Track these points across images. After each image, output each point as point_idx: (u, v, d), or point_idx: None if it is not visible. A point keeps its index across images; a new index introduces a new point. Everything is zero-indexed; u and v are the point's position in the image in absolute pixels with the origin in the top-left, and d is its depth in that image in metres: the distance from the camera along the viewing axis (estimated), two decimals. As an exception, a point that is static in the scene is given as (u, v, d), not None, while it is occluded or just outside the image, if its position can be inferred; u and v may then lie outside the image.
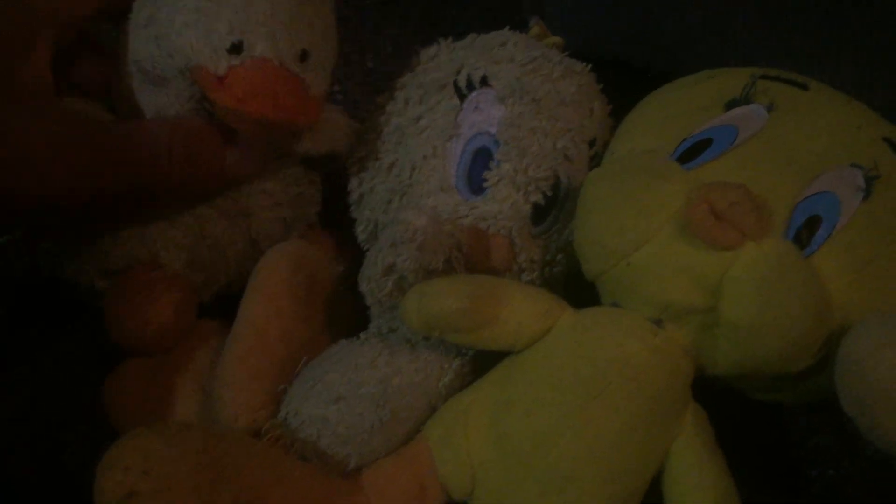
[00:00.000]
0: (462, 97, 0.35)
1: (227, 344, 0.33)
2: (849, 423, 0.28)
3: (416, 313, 0.30)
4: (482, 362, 0.33)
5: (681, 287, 0.30)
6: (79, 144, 0.31)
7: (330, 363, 0.32)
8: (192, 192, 0.34)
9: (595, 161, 0.36)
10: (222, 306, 0.36)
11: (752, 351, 0.29)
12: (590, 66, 0.38)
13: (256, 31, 0.30)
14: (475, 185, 0.34)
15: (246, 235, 0.37)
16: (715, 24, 0.41)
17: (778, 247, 0.29)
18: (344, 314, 0.36)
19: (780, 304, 0.28)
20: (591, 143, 0.36)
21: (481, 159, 0.34)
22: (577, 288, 0.34)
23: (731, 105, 0.34)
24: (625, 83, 0.38)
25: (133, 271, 0.35)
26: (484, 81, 0.35)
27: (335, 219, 0.40)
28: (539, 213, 0.35)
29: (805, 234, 0.30)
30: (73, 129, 0.31)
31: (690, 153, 0.32)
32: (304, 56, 0.32)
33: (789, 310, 0.28)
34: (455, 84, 0.36)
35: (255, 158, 0.35)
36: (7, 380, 0.36)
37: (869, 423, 0.28)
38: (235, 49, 0.30)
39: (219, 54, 0.30)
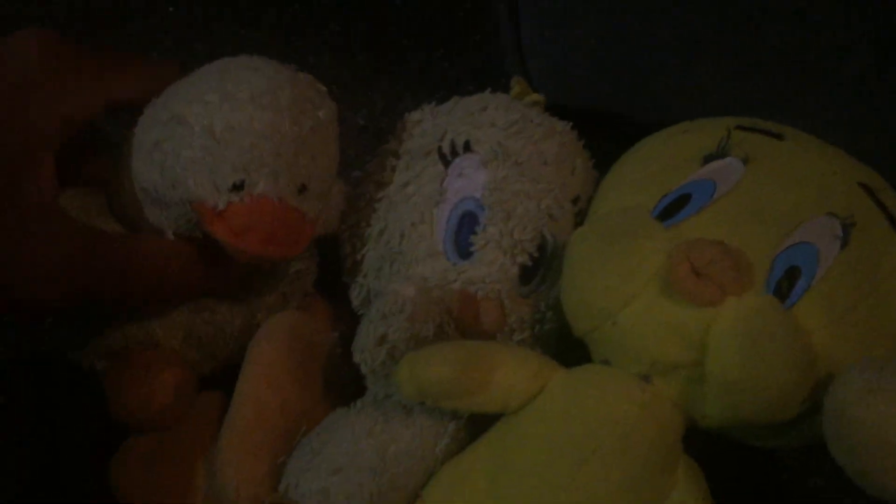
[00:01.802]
0: (447, 163, 0.36)
1: (226, 420, 0.34)
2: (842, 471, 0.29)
3: (408, 382, 0.31)
4: (478, 424, 0.34)
5: (666, 344, 0.31)
6: (83, 260, 0.31)
7: (328, 434, 0.33)
8: (191, 297, 0.36)
9: (580, 217, 0.37)
10: (225, 377, 0.37)
11: (739, 404, 0.29)
12: (571, 123, 0.39)
13: (259, 171, 0.31)
14: (463, 249, 0.35)
15: (244, 311, 0.37)
16: (693, 78, 0.42)
17: (759, 301, 0.30)
18: (342, 380, 0.37)
19: (764, 358, 0.29)
20: (575, 201, 0.37)
21: (468, 224, 0.35)
22: (569, 344, 0.35)
23: (708, 159, 0.35)
24: (606, 137, 0.39)
25: (131, 351, 0.36)
26: (467, 147, 0.36)
27: (330, 284, 0.41)
28: (527, 274, 0.35)
29: (785, 285, 0.31)
30: (77, 244, 0.31)
31: (671, 209, 0.33)
32: (302, 189, 0.32)
33: (773, 363, 0.29)
34: (440, 150, 0.37)
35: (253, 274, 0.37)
36: (17, 459, 0.37)
37: (859, 469, 0.28)
38: (237, 188, 0.31)
39: (220, 192, 0.31)
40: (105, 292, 0.32)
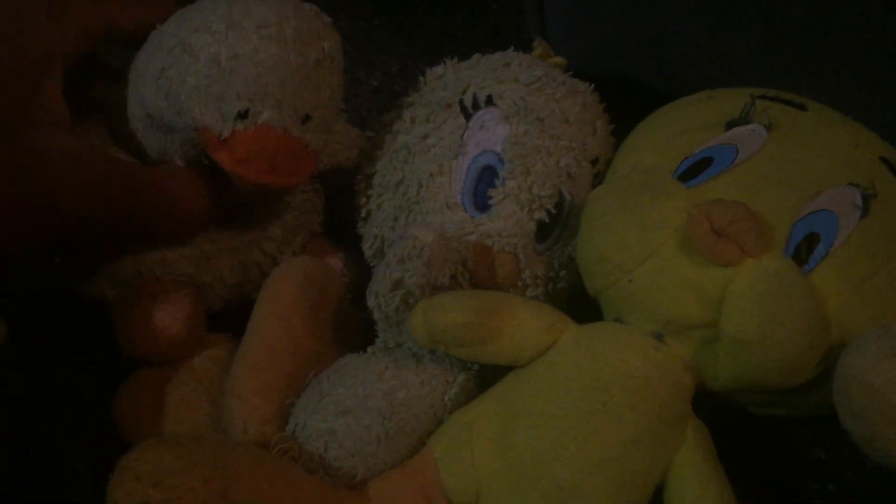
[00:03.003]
0: (468, 116, 0.36)
1: (237, 357, 0.33)
2: (848, 437, 0.29)
3: (422, 328, 0.31)
4: (487, 376, 0.34)
5: (682, 302, 0.31)
6: (100, 184, 0.32)
7: (337, 377, 0.33)
8: (204, 225, 0.36)
9: (598, 179, 0.37)
10: (232, 321, 0.37)
11: (752, 366, 0.29)
12: (592, 85, 0.39)
13: (264, 100, 0.31)
14: (480, 202, 0.35)
15: (249, 237, 0.37)
16: (715, 47, 0.42)
17: (777, 263, 0.30)
18: (351, 328, 0.37)
19: (780, 320, 0.29)
20: (594, 162, 0.37)
21: (486, 177, 0.35)
22: (580, 304, 0.35)
23: (731, 125, 0.34)
24: (626, 103, 0.39)
25: (141, 280, 0.35)
26: (489, 101, 0.36)
27: (341, 236, 0.40)
28: (543, 231, 0.35)
29: (804, 251, 0.31)
30: (94, 169, 0.32)
31: (692, 171, 0.33)
32: (306, 119, 0.33)
33: (788, 325, 0.29)
34: (461, 103, 0.36)
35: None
36: (22, 390, 0.37)
37: (868, 435, 0.28)
38: (241, 116, 0.31)
39: (225, 120, 0.31)
40: (122, 222, 0.33)
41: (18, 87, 0.31)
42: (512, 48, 0.39)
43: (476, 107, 0.36)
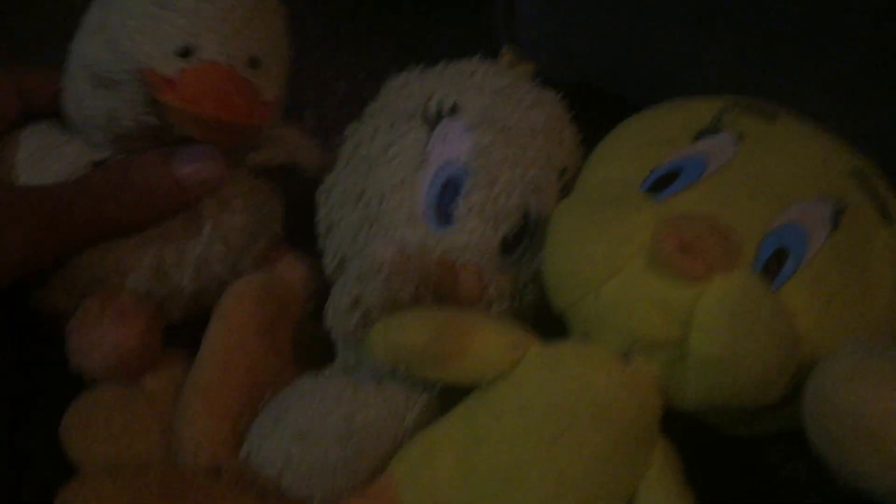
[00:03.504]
0: (431, 126, 0.35)
1: (189, 378, 0.32)
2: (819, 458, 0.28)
3: (382, 346, 0.30)
4: (450, 396, 0.33)
5: (650, 319, 0.30)
6: (14, 219, 0.31)
7: (294, 398, 0.32)
8: (152, 219, 0.34)
9: (565, 191, 0.36)
10: (190, 335, 0.35)
11: (721, 384, 0.29)
12: (561, 94, 0.38)
13: (206, 35, 0.31)
14: (444, 216, 0.34)
15: (207, 245, 0.36)
16: (688, 54, 0.41)
17: (745, 280, 0.29)
18: (311, 345, 0.36)
19: (748, 337, 0.28)
20: (562, 173, 0.36)
21: (450, 190, 0.34)
22: (547, 320, 0.34)
23: (700, 135, 0.34)
24: (596, 111, 0.38)
25: (96, 293, 0.34)
26: (454, 110, 0.35)
27: (307, 245, 0.39)
28: (508, 245, 0.34)
29: (773, 266, 0.30)
30: (11, 207, 0.31)
31: (660, 184, 0.32)
32: (254, 62, 0.33)
33: (757, 342, 0.28)
34: (424, 113, 0.35)
35: (211, 163, 0.35)
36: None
37: (838, 457, 0.27)
38: (185, 53, 0.31)
39: (168, 57, 0.31)
40: (65, 243, 0.32)
41: None
42: (480, 55, 0.39)
43: (440, 117, 0.35)
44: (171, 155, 0.34)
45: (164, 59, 0.31)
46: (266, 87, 0.33)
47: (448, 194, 0.34)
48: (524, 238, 0.35)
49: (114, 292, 0.34)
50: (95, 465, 0.29)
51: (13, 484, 0.34)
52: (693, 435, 0.32)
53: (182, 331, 0.37)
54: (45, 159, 0.34)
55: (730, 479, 0.36)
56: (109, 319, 0.33)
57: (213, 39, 0.31)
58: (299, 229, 0.39)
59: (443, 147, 0.35)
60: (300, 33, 0.56)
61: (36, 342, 0.36)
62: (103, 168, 0.34)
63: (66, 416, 0.34)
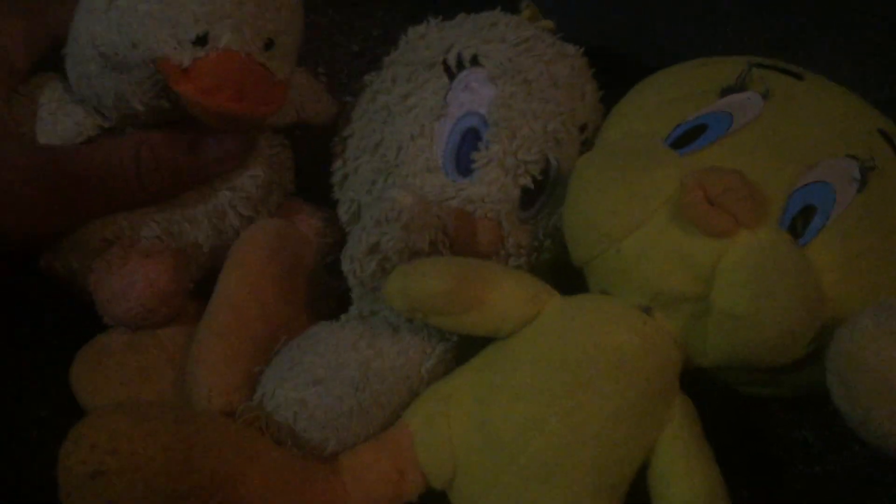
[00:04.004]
0: (451, 76, 0.35)
1: (202, 322, 0.32)
2: (837, 419, 0.28)
3: (399, 294, 0.29)
4: (466, 348, 0.32)
5: (673, 274, 0.29)
6: (46, 177, 0.31)
7: (309, 345, 0.31)
8: (173, 195, 0.34)
9: (586, 146, 0.36)
10: (199, 286, 0.35)
11: (743, 341, 0.28)
12: (582, 49, 0.37)
13: (222, 22, 0.30)
14: (463, 166, 0.33)
15: (221, 198, 0.35)
16: (707, 16, 0.40)
17: (772, 235, 0.29)
18: (325, 295, 0.35)
19: (773, 294, 0.28)
20: (582, 128, 0.35)
21: (470, 140, 0.34)
22: (565, 276, 0.34)
23: (726, 92, 0.33)
24: (616, 70, 0.37)
25: (113, 244, 0.33)
26: (475, 61, 0.34)
27: (318, 197, 0.39)
28: (528, 198, 0.34)
29: (800, 223, 0.30)
30: (37, 162, 0.31)
31: (684, 139, 0.32)
32: (269, 45, 0.31)
33: (782, 300, 0.28)
34: (445, 62, 0.35)
35: (235, 149, 0.34)
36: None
37: (862, 416, 0.27)
38: (200, 41, 0.29)
39: (183, 46, 0.29)
40: (83, 208, 0.32)
41: None
42: (499, 9, 0.38)
43: (460, 67, 0.35)
44: (198, 139, 0.33)
45: (180, 48, 0.29)
46: (280, 67, 0.32)
47: (468, 145, 0.34)
48: (544, 191, 0.34)
49: (133, 241, 0.34)
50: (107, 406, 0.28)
51: (23, 426, 0.34)
52: (710, 395, 0.31)
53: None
54: (56, 114, 0.33)
55: (746, 442, 0.36)
56: (138, 260, 0.33)
57: (228, 26, 0.29)
58: (311, 182, 0.39)
59: (463, 97, 0.34)
60: (312, -10, 0.55)
61: (39, 297, 0.36)
62: (132, 143, 0.32)
63: (75, 361, 0.34)
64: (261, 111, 0.31)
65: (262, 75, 0.31)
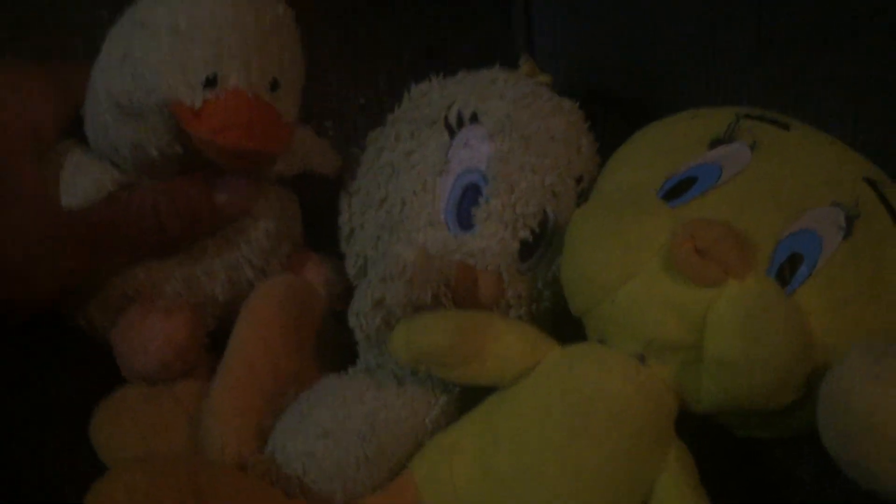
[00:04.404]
0: (452, 133, 0.36)
1: (216, 376, 0.33)
2: (831, 459, 0.29)
3: (404, 347, 0.31)
4: (469, 398, 0.33)
5: (665, 322, 0.30)
6: (72, 236, 0.33)
7: (317, 398, 0.33)
8: (191, 241, 0.36)
9: (582, 197, 0.37)
10: (214, 340, 0.36)
11: (735, 387, 0.29)
12: (578, 102, 0.39)
13: (229, 63, 0.32)
14: (464, 220, 0.35)
15: (235, 251, 0.37)
16: (702, 61, 0.42)
17: (760, 284, 0.30)
18: (333, 348, 0.36)
19: (763, 341, 0.28)
20: (579, 180, 0.37)
21: (470, 195, 0.35)
22: (565, 323, 0.35)
23: (715, 143, 0.34)
24: (613, 119, 0.39)
25: (134, 301, 0.35)
26: (474, 118, 0.36)
27: (326, 247, 0.40)
28: (527, 250, 0.35)
29: (787, 271, 0.30)
30: (58, 225, 0.33)
31: (675, 191, 0.33)
32: (274, 85, 0.33)
33: (771, 346, 0.28)
34: (446, 120, 0.36)
35: (246, 193, 0.36)
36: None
37: (852, 458, 0.28)
38: (210, 83, 0.31)
39: (195, 89, 0.31)
40: (102, 261, 0.34)
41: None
42: (498, 64, 0.39)
43: (461, 124, 0.36)
44: (211, 183, 0.35)
45: (191, 90, 0.31)
46: (286, 108, 0.34)
47: (468, 200, 0.35)
48: (542, 243, 0.35)
49: (153, 297, 0.35)
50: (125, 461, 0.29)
51: (48, 481, 0.35)
52: (703, 436, 0.32)
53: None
54: (75, 176, 0.35)
55: (743, 480, 0.37)
56: (157, 316, 0.34)
57: (236, 67, 0.31)
58: (319, 233, 0.40)
59: (463, 154, 0.35)
60: (320, 44, 0.57)
61: (61, 350, 0.37)
62: (149, 192, 0.34)
63: (95, 416, 0.35)
64: (270, 147, 0.33)
65: (270, 113, 0.33)
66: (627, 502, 0.30)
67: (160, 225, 0.34)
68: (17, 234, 0.32)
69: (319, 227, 0.40)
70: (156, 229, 0.34)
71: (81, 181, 0.35)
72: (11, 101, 0.34)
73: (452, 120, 0.36)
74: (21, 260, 0.31)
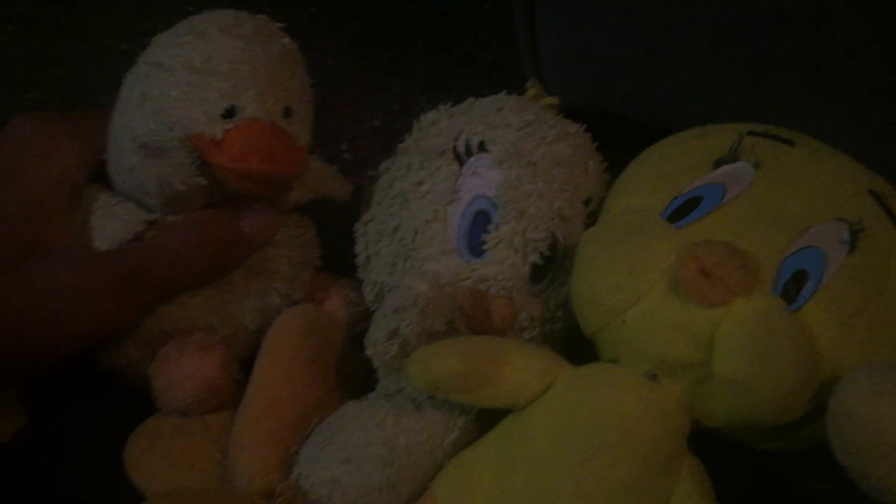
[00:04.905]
0: (461, 162, 0.37)
1: (241, 408, 0.34)
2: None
3: (419, 375, 0.32)
4: (486, 419, 0.34)
5: (674, 343, 0.31)
6: (105, 281, 0.34)
7: (339, 425, 0.34)
8: (222, 272, 0.37)
9: (591, 218, 0.38)
10: (246, 368, 0.38)
11: (744, 404, 0.30)
12: (584, 126, 0.40)
13: (245, 94, 0.33)
14: (475, 247, 0.36)
15: (262, 280, 0.38)
16: (706, 83, 0.42)
17: (765, 302, 0.30)
18: (353, 374, 0.37)
19: (769, 359, 0.29)
20: (587, 202, 0.38)
21: (480, 222, 0.36)
22: (577, 344, 0.35)
23: (718, 163, 0.35)
24: (620, 139, 0.39)
25: (169, 336, 0.37)
26: (482, 147, 0.37)
27: (344, 271, 0.41)
28: (537, 273, 0.36)
29: (793, 288, 0.31)
30: (92, 272, 0.34)
31: (680, 211, 0.34)
32: (287, 112, 0.35)
33: (778, 364, 0.29)
34: (454, 150, 0.37)
35: (269, 220, 0.37)
36: (33, 442, 0.38)
37: (861, 472, 0.28)
38: (229, 114, 0.33)
39: (214, 121, 0.33)
40: (142, 303, 0.35)
41: (26, 228, 0.35)
42: (504, 92, 0.40)
43: (469, 153, 0.37)
44: (238, 213, 0.36)
45: (211, 123, 0.33)
46: (299, 134, 0.35)
47: (478, 227, 0.36)
48: (552, 266, 0.36)
49: (188, 332, 0.37)
50: (159, 490, 0.31)
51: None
52: (720, 450, 0.33)
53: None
54: (104, 220, 0.36)
55: (758, 492, 0.37)
56: (192, 354, 0.36)
57: (252, 98, 0.33)
58: (336, 258, 0.42)
59: (472, 182, 0.36)
60: (333, 70, 0.59)
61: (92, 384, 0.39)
62: (181, 226, 0.36)
63: (128, 445, 0.36)
64: (288, 171, 0.34)
65: (286, 138, 0.34)
66: (642, 520, 0.31)
67: (192, 259, 0.36)
68: (53, 284, 0.33)
69: (337, 254, 0.41)
70: (188, 264, 0.35)
71: (110, 224, 0.36)
72: (42, 155, 0.36)
73: (461, 149, 0.37)
74: (57, 308, 0.33)
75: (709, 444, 0.33)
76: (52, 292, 0.33)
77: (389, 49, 0.60)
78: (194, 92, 0.33)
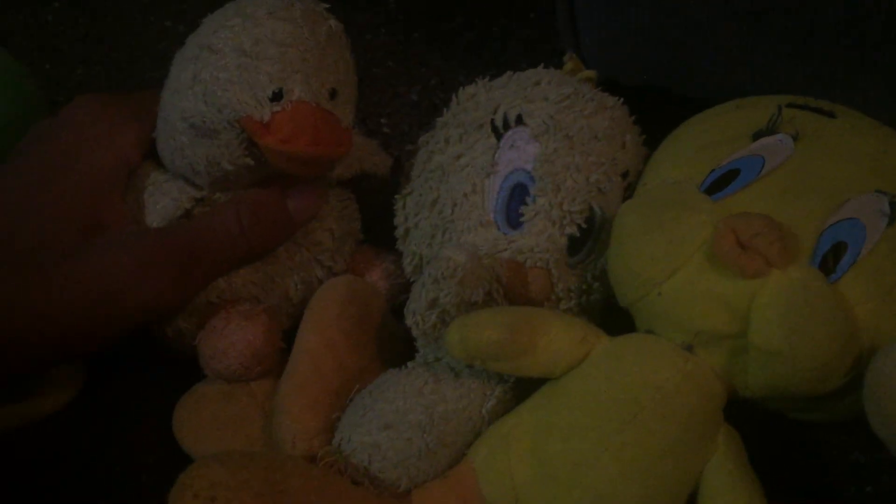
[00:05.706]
0: (499, 136, 0.37)
1: (284, 375, 0.36)
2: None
3: (458, 345, 0.32)
4: (523, 388, 0.35)
5: (711, 314, 0.31)
6: (162, 261, 0.35)
7: (379, 392, 0.35)
8: (270, 250, 0.38)
9: (629, 191, 0.38)
10: (288, 338, 0.39)
11: (781, 375, 0.30)
12: (622, 99, 0.40)
13: (293, 77, 0.34)
14: (513, 219, 0.36)
15: (305, 253, 0.39)
16: (746, 55, 0.42)
17: (803, 274, 0.30)
18: (394, 343, 0.38)
19: (807, 330, 0.29)
20: (624, 175, 0.38)
21: (518, 195, 0.36)
22: (614, 314, 0.36)
23: (757, 136, 0.35)
24: (658, 112, 0.40)
25: (216, 306, 0.38)
26: (519, 120, 0.37)
27: (384, 242, 0.42)
28: (575, 245, 0.36)
29: (831, 260, 0.31)
30: (148, 250, 0.35)
31: (719, 184, 0.34)
32: (333, 94, 0.35)
33: (815, 335, 0.29)
34: (492, 123, 0.38)
35: (314, 199, 0.38)
36: (89, 407, 0.39)
37: (898, 442, 0.28)
38: (276, 97, 0.34)
39: (263, 103, 0.33)
40: (198, 279, 0.37)
41: (88, 204, 0.36)
42: (543, 64, 0.41)
43: (507, 126, 0.37)
44: (285, 192, 0.37)
45: (259, 106, 0.33)
46: (344, 115, 0.36)
47: (516, 199, 0.36)
48: (590, 238, 0.37)
49: (234, 304, 0.38)
50: (205, 453, 0.32)
51: (136, 471, 0.38)
52: (758, 419, 0.33)
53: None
54: (155, 197, 0.37)
55: (796, 463, 0.37)
56: (237, 323, 0.37)
57: (299, 80, 0.34)
58: (377, 231, 0.42)
59: (510, 155, 0.37)
60: (373, 45, 0.59)
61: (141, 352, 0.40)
62: (231, 205, 0.37)
63: (176, 410, 0.38)
64: (335, 151, 0.35)
65: (332, 120, 0.35)
66: (679, 488, 0.31)
67: (245, 236, 0.36)
68: (115, 264, 0.34)
69: (378, 226, 0.42)
70: (241, 241, 0.36)
71: (161, 200, 0.37)
72: (101, 139, 0.37)
73: (499, 123, 0.37)
74: (120, 288, 0.34)
75: (746, 412, 0.33)
76: (114, 273, 0.34)
77: (428, 24, 0.60)
78: (243, 75, 0.33)
